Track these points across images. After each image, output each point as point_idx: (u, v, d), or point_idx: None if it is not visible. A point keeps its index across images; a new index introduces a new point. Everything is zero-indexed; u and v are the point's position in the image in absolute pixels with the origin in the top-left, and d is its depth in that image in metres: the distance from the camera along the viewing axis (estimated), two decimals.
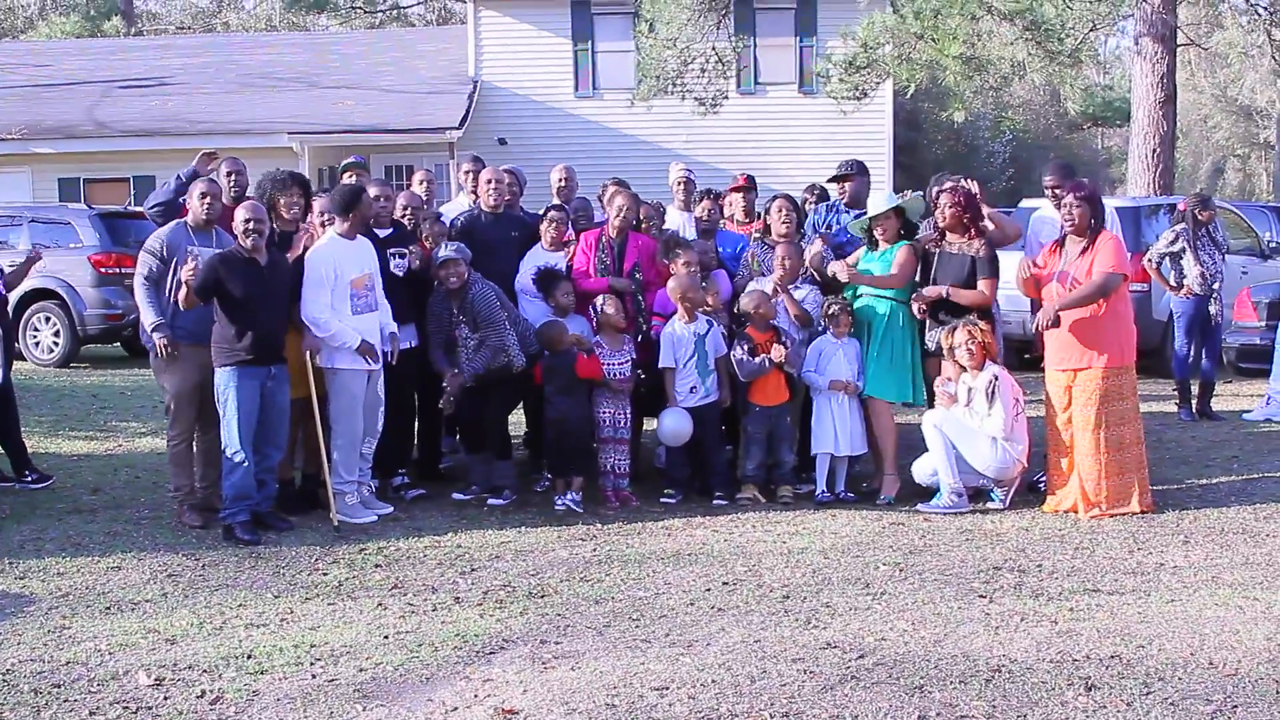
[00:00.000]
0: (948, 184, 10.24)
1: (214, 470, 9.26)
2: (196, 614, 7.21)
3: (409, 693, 5.95)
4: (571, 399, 9.91)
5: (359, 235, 9.54)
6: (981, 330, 9.55)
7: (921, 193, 10.82)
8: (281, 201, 9.65)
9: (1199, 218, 13.49)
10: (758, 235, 10.99)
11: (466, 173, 11.71)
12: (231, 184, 10.32)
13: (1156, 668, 6.09)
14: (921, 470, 9.83)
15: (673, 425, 9.98)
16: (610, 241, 10.43)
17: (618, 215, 10.43)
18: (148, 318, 9.29)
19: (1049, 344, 9.55)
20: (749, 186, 11.86)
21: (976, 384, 9.56)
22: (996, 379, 9.48)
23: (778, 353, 9.85)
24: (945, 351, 9.70)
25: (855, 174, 11.32)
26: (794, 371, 10.05)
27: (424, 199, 11.31)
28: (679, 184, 12.03)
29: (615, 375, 10.04)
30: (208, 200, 9.43)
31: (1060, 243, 9.69)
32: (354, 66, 31.86)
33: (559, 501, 9.82)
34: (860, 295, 10.19)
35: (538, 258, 10.57)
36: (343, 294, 9.29)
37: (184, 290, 8.82)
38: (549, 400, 10.02)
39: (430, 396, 10.49)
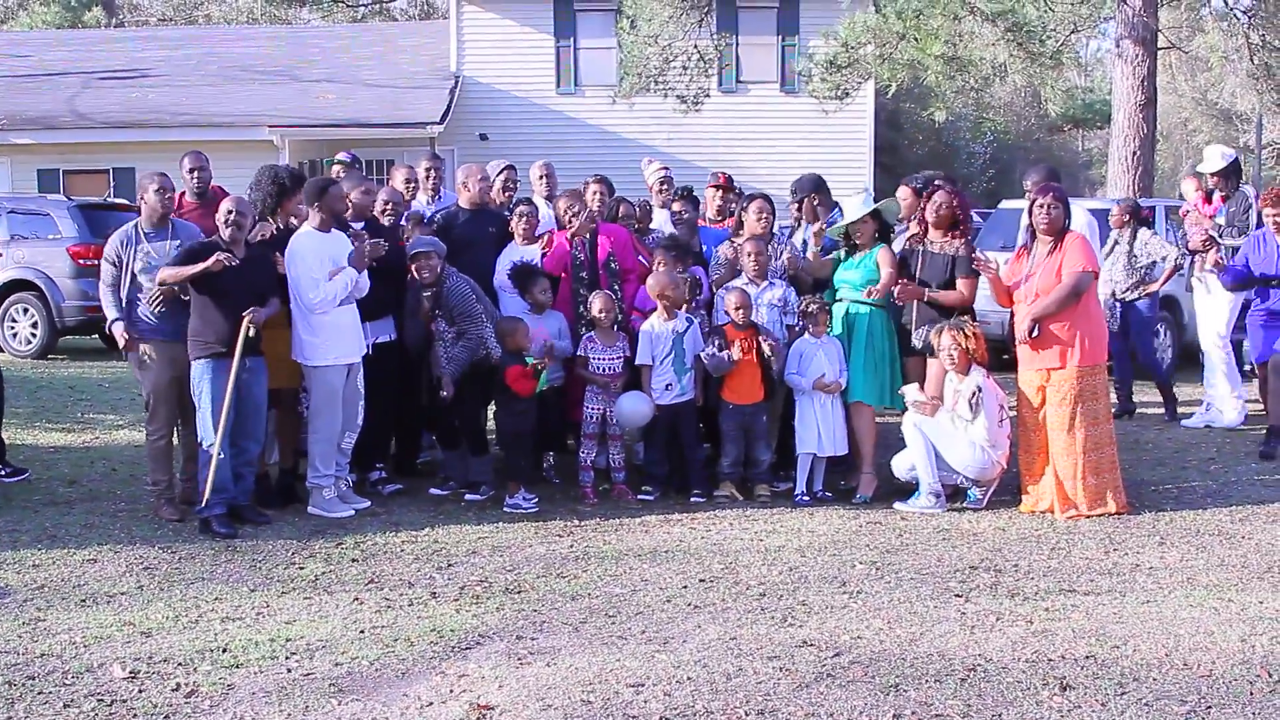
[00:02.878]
0: (942, 182, 10.27)
1: (195, 464, 9.23)
2: (172, 607, 7.20)
3: (384, 687, 5.95)
4: (510, 401, 9.90)
5: (332, 229, 9.52)
6: (967, 335, 9.55)
7: (894, 199, 10.83)
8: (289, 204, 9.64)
9: (1121, 223, 13.53)
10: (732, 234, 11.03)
11: (427, 170, 11.70)
12: (195, 179, 10.27)
13: (1131, 668, 6.11)
14: (901, 465, 9.84)
15: (631, 407, 9.98)
16: (581, 236, 10.44)
17: (568, 214, 10.46)
18: (108, 314, 9.36)
19: (1021, 344, 9.56)
20: (727, 186, 11.87)
21: (962, 389, 9.56)
22: (980, 390, 9.48)
23: (738, 350, 9.87)
24: (935, 350, 9.69)
25: (809, 193, 11.34)
26: (775, 368, 10.04)
27: (407, 197, 11.31)
28: (660, 182, 12.08)
29: (604, 370, 10.08)
30: (165, 194, 9.41)
31: (1026, 246, 9.71)
32: (335, 60, 31.80)
33: (507, 503, 9.80)
34: (840, 299, 10.21)
35: (513, 253, 10.57)
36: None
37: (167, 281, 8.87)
38: (497, 396, 10.04)
39: (408, 391, 10.49)
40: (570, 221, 10.43)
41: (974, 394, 9.47)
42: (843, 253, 10.36)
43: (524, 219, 10.64)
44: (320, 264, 9.26)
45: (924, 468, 9.57)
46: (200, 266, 8.72)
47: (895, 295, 9.92)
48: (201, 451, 8.97)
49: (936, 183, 10.31)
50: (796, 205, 11.23)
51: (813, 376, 9.91)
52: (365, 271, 9.56)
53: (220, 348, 8.84)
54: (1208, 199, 12.50)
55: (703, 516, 9.50)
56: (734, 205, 11.64)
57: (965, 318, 9.74)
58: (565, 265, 10.48)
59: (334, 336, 9.37)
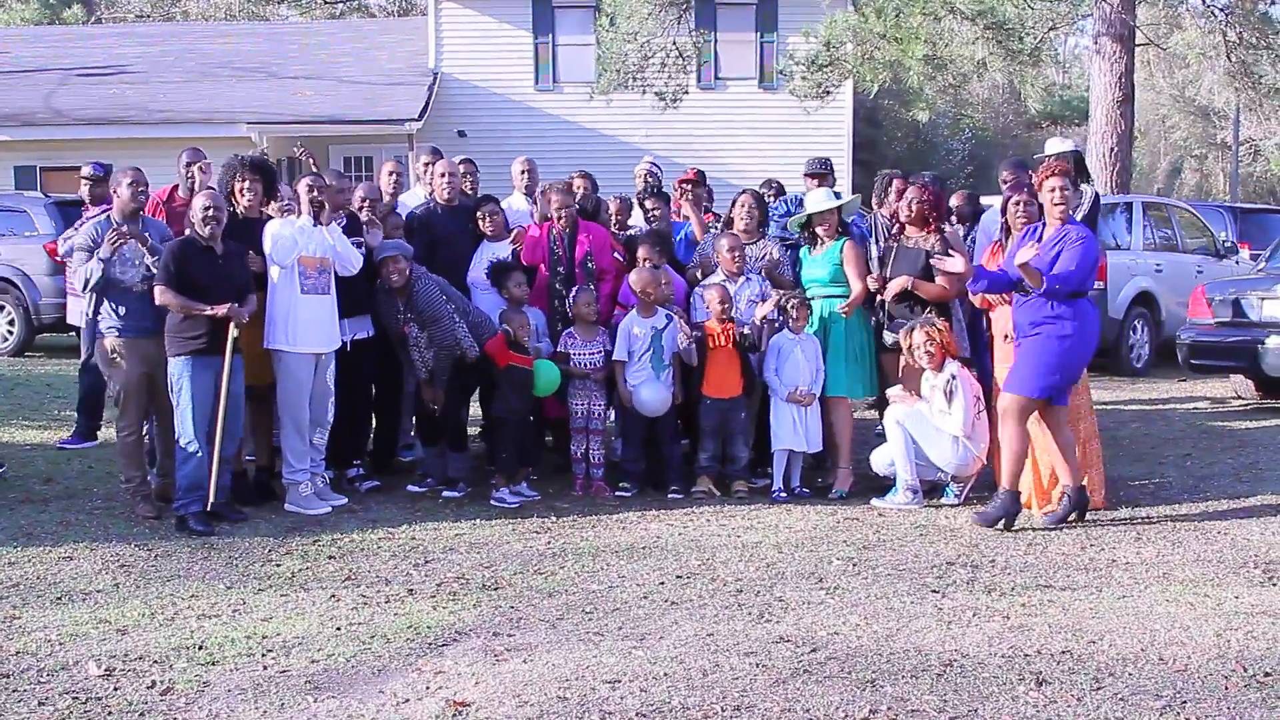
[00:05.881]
0: (922, 178, 10.28)
1: (172, 461, 9.20)
2: (148, 604, 7.17)
3: (361, 684, 5.93)
4: (498, 390, 9.96)
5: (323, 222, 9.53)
6: (939, 330, 9.56)
7: (858, 195, 10.88)
8: (237, 188, 9.58)
9: None
10: (715, 230, 11.05)
11: (425, 164, 11.69)
12: (189, 175, 10.24)
13: (1107, 663, 6.12)
14: (879, 460, 9.86)
15: (650, 396, 9.99)
16: (560, 233, 10.45)
17: (558, 213, 10.46)
18: (94, 269, 9.14)
19: (1000, 341, 9.55)
20: (697, 181, 11.87)
21: (937, 382, 9.58)
22: (954, 378, 9.49)
23: (765, 306, 9.98)
24: (905, 351, 9.70)
25: (828, 173, 11.48)
26: (757, 352, 10.04)
27: (390, 191, 11.33)
28: (638, 176, 12.16)
29: (586, 365, 10.14)
30: (138, 189, 9.37)
31: (1001, 243, 9.68)
32: (314, 57, 31.70)
33: (493, 496, 9.84)
34: (811, 296, 10.23)
35: (486, 250, 10.62)
36: (291, 270, 9.30)
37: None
38: (484, 390, 10.11)
39: (386, 388, 10.48)
40: (559, 215, 10.43)
41: (948, 382, 9.48)
42: (805, 249, 10.40)
43: (489, 217, 10.68)
44: (295, 244, 9.29)
45: (903, 463, 9.58)
46: (209, 310, 8.78)
47: (884, 294, 9.93)
48: (179, 449, 8.95)
49: (909, 178, 10.33)
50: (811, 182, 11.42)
51: (790, 373, 9.93)
52: (357, 249, 9.65)
53: (199, 344, 8.83)
54: None
55: (680, 513, 9.51)
56: (705, 202, 11.71)
57: (931, 313, 9.75)
58: (542, 257, 10.50)
59: (302, 325, 9.37)
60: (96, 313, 9.28)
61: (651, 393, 10.00)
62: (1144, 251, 17.41)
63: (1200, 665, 6.10)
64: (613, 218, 11.30)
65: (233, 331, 8.90)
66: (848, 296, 10.04)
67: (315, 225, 9.42)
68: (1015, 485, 9.03)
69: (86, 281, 9.13)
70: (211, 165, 10.68)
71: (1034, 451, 9.38)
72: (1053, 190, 9.05)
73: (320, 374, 9.53)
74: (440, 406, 10.02)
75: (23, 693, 5.85)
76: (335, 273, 9.57)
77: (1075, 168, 11.61)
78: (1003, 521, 8.93)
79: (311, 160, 11.13)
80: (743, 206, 10.63)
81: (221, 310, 8.74)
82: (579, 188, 11.29)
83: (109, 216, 9.40)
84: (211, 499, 9.00)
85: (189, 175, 10.27)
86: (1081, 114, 38.02)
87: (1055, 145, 11.83)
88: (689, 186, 11.62)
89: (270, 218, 9.68)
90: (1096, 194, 12.03)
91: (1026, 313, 8.99)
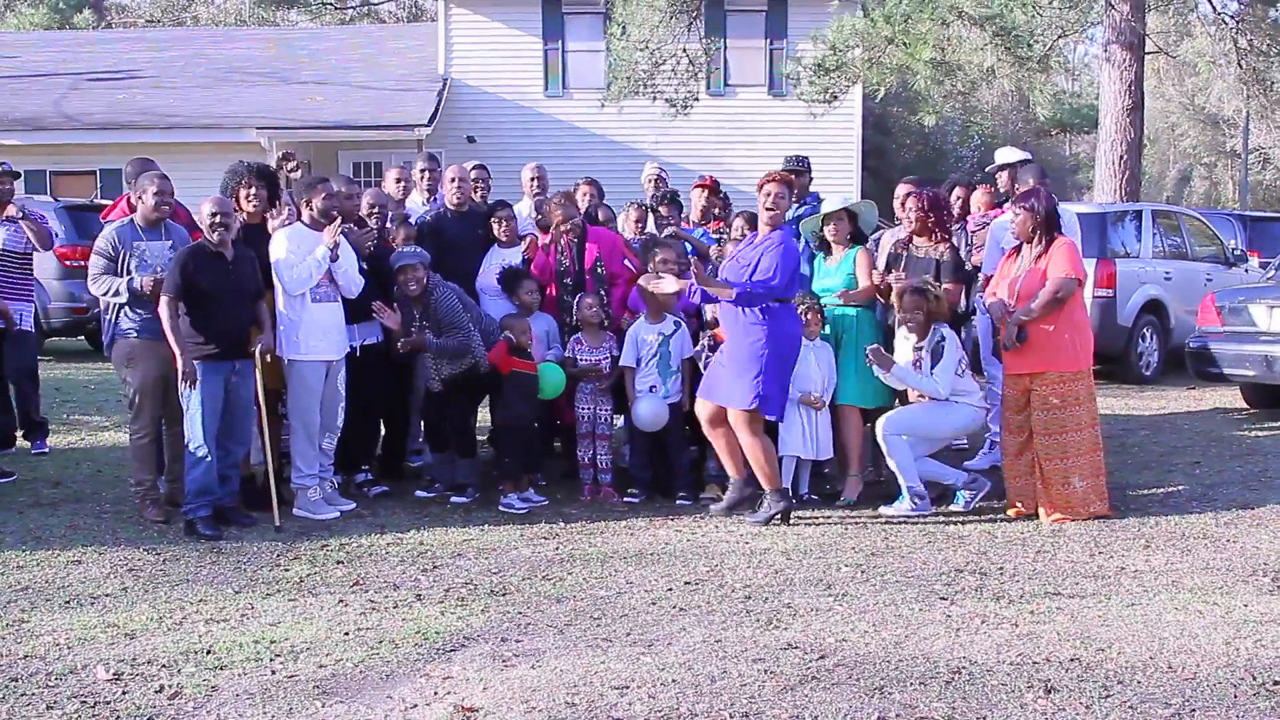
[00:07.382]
0: (911, 187, 10.26)
1: (181, 465, 9.20)
2: (156, 609, 7.18)
3: (369, 690, 5.93)
4: (505, 397, 9.99)
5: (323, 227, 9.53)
6: (932, 294, 9.51)
7: (873, 202, 10.85)
8: (242, 194, 9.59)
9: None
10: (718, 238, 11.06)
11: (422, 171, 11.71)
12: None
13: (1116, 671, 6.11)
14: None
15: (647, 411, 9.98)
16: (567, 244, 10.44)
17: (563, 226, 10.46)
18: (121, 286, 9.17)
19: (1007, 348, 9.54)
20: (713, 189, 11.90)
21: (923, 345, 9.53)
22: (944, 339, 9.44)
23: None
24: (898, 309, 9.65)
25: (805, 170, 11.47)
26: None
27: (399, 198, 11.33)
28: (648, 181, 12.18)
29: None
30: (163, 198, 9.38)
31: (1017, 248, 9.68)
32: (323, 62, 31.75)
33: (501, 502, 9.84)
34: (826, 302, 10.21)
35: (496, 256, 10.61)
36: None
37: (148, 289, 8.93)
38: (493, 396, 10.16)
39: (396, 394, 10.49)
40: (565, 226, 10.43)
41: (938, 343, 9.43)
42: (820, 257, 10.38)
43: (503, 222, 10.68)
44: (298, 251, 9.28)
45: (902, 469, 9.55)
46: (192, 353, 8.87)
47: (891, 288, 9.90)
48: (187, 453, 8.96)
49: (904, 188, 10.32)
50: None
51: (801, 379, 9.90)
52: (356, 268, 9.62)
53: (211, 349, 8.85)
54: (996, 207, 11.80)
55: (688, 519, 9.51)
56: (717, 209, 11.72)
57: (928, 277, 9.73)
58: (550, 272, 10.50)
59: (313, 332, 9.39)
60: (116, 315, 9.31)
61: (648, 408, 9.98)
62: (1153, 259, 17.36)
63: (1209, 673, 6.08)
64: (632, 225, 11.35)
65: (262, 358, 9.03)
66: (862, 306, 10.02)
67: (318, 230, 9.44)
68: (777, 484, 9.30)
69: (110, 292, 9.19)
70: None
71: (1039, 459, 9.38)
72: (768, 195, 9.21)
73: (331, 380, 9.54)
74: (450, 414, 10.04)
75: (31, 696, 5.86)
76: None
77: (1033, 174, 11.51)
78: (778, 516, 9.27)
79: (294, 166, 11.13)
80: (745, 225, 10.66)
81: (204, 352, 8.88)
82: (585, 194, 11.30)
83: (132, 221, 9.41)
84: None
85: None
86: (1091, 121, 38.02)
87: (1006, 155, 11.78)
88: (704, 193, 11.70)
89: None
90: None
91: (726, 320, 9.30)
